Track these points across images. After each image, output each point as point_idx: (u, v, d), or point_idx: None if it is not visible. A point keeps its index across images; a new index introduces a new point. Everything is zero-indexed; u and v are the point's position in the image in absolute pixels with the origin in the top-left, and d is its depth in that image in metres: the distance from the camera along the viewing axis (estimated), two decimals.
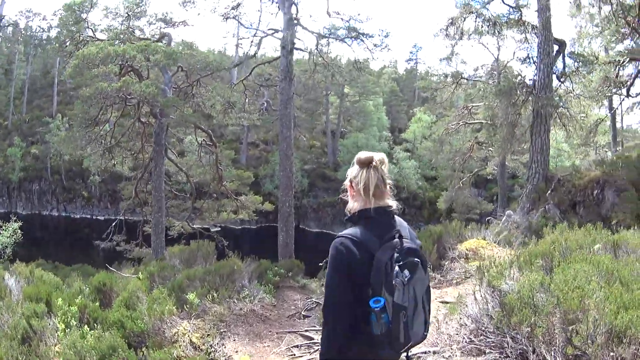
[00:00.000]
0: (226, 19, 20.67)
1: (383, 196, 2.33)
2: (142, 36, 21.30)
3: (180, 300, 6.68)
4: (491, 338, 4.05)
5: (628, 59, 17.72)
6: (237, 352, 5.94)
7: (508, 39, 16.33)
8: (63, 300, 5.64)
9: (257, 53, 22.40)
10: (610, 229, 8.08)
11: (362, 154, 2.35)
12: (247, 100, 24.35)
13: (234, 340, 6.32)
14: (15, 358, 4.36)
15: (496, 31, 15.73)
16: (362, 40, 20.74)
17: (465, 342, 4.25)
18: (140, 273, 8.48)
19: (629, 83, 18.84)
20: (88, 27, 20.85)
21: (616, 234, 5.95)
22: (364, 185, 2.29)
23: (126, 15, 20.93)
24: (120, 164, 23.41)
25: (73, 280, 8.50)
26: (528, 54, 15.76)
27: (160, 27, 22.25)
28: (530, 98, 13.49)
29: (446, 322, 4.90)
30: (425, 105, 40.01)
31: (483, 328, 4.18)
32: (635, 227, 6.95)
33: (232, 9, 20.34)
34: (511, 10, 15.34)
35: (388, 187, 2.35)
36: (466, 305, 4.48)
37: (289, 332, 6.81)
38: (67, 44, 21.22)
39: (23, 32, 54.26)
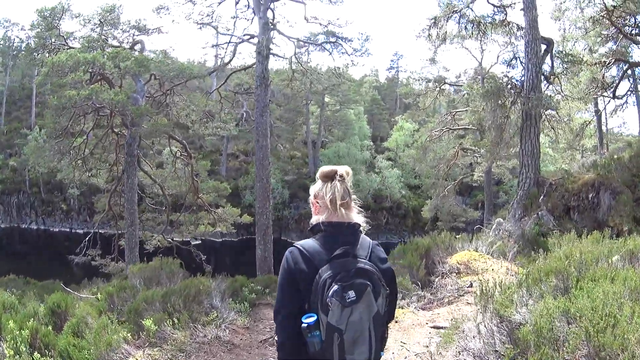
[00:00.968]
0: (201, 26, 20.19)
1: (349, 210, 2.25)
2: (116, 44, 20.78)
3: (138, 325, 6.09)
4: None
5: (613, 60, 17.49)
6: None
7: (492, 43, 15.82)
8: (15, 322, 5.23)
9: (232, 60, 21.85)
10: (611, 234, 7.41)
11: (325, 168, 2.31)
12: (223, 109, 23.56)
13: None
14: None
15: (480, 32, 15.16)
16: (341, 45, 20.26)
17: None
18: (99, 294, 7.85)
19: (614, 84, 18.70)
20: (60, 35, 20.10)
21: (629, 241, 5.19)
22: (330, 198, 2.21)
23: (99, 22, 20.28)
24: (96, 176, 23.00)
25: (28, 299, 8.11)
26: (514, 55, 15.16)
27: (134, 35, 21.61)
28: (518, 100, 12.82)
29: (440, 354, 4.04)
30: (407, 112, 39.63)
31: None
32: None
33: (207, 15, 19.84)
34: (496, 10, 14.75)
35: (353, 201, 2.28)
36: (465, 336, 3.62)
37: None
38: (40, 52, 20.59)
39: (1, 42, 52.81)
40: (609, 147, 24.32)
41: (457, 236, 8.38)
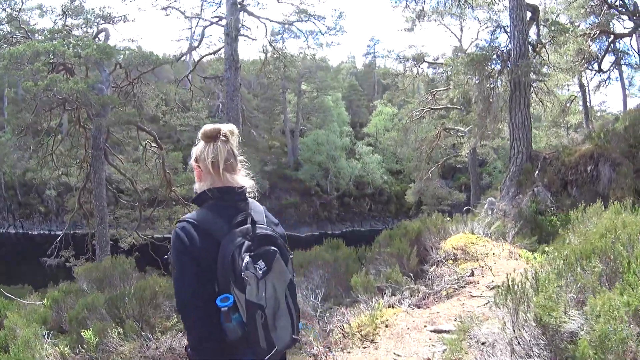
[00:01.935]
0: (167, 10, 19.32)
1: (235, 173, 1.99)
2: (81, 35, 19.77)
3: (80, 336, 5.30)
4: None
5: (598, 32, 17.08)
6: None
7: (472, 20, 15.00)
8: None
9: (200, 43, 21.03)
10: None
11: (207, 126, 2.02)
12: (194, 97, 22.51)
13: None
14: None
15: (461, 3, 14.35)
16: (314, 23, 19.39)
17: None
18: (45, 299, 6.99)
19: (599, 58, 18.43)
20: (21, 27, 18.97)
21: None
22: (212, 160, 1.93)
23: (62, 12, 19.29)
24: (67, 174, 22.23)
25: None
26: (498, 24, 14.27)
27: (99, 24, 20.48)
28: (505, 70, 11.92)
29: None
30: (386, 94, 38.79)
31: None
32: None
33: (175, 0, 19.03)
34: None
35: (239, 163, 2.02)
36: (487, 350, 2.62)
37: None
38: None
39: None
40: (594, 124, 23.82)
41: (451, 218, 7.43)
